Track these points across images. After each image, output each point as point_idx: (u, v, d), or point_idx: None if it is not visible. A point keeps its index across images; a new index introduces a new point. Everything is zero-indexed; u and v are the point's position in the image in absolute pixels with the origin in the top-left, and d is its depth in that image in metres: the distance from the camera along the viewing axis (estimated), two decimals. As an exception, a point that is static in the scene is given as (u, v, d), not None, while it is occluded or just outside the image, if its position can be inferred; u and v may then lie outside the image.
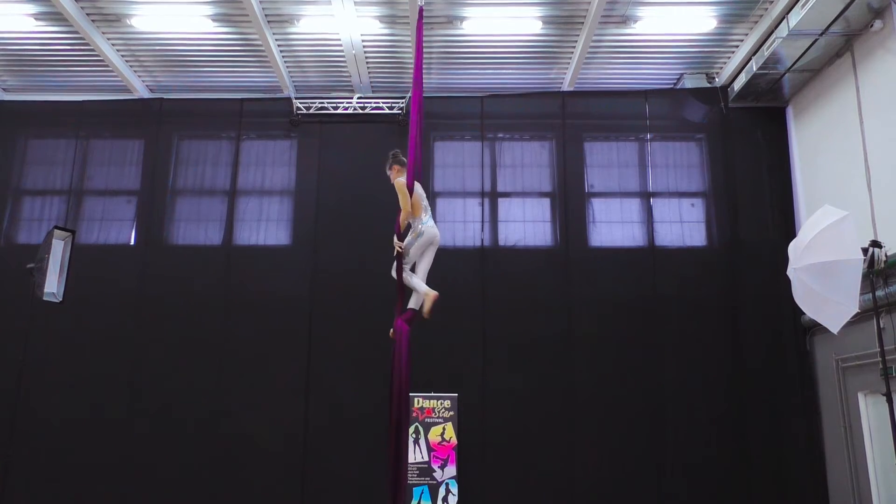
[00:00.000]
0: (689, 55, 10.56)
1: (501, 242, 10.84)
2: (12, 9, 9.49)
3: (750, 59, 10.02)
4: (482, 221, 10.88)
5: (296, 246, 10.91)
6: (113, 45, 10.24)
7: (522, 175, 11.11)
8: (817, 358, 10.02)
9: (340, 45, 10.18)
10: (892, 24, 8.37)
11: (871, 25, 8.61)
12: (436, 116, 10.62)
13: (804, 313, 8.97)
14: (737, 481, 9.83)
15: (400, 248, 6.31)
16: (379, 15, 9.56)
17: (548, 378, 10.24)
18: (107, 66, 10.55)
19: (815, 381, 10.04)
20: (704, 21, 9.71)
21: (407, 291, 6.46)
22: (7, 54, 10.50)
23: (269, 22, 9.69)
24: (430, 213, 6.64)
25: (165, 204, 11.06)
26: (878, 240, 7.88)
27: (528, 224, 10.91)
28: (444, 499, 9.61)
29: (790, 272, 6.40)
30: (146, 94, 11.38)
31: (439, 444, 9.81)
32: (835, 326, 6.19)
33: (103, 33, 9.96)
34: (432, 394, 9.91)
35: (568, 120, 11.16)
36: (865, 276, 6.99)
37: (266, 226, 11.00)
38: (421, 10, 7.04)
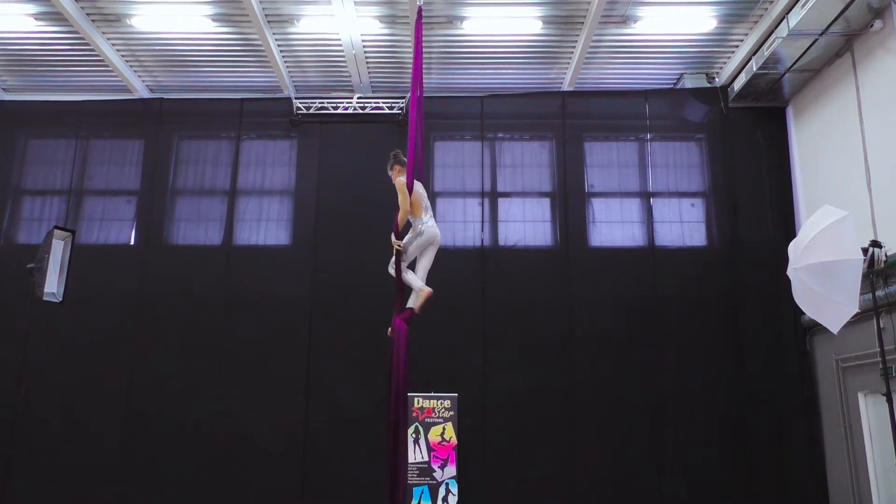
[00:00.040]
0: (689, 55, 10.56)
1: (501, 242, 10.84)
2: (12, 9, 9.49)
3: (750, 59, 10.02)
4: (482, 221, 10.88)
5: (296, 246, 10.91)
6: (113, 45, 10.24)
7: (522, 175, 11.11)
8: (817, 358, 10.02)
9: (340, 45, 10.18)
10: (892, 24, 8.37)
11: (871, 25, 8.61)
12: (436, 116, 10.62)
13: (804, 313, 8.97)
14: (737, 481, 9.83)
15: (398, 246, 6.31)
16: (379, 15, 9.56)
17: (548, 378, 10.24)
18: (107, 66, 10.55)
19: (815, 381, 10.04)
20: (704, 21, 9.71)
21: (406, 290, 6.47)
22: (7, 54, 10.50)
23: (269, 22, 9.69)
24: (431, 212, 6.64)
25: (165, 204, 11.06)
26: (878, 240, 7.87)
27: (528, 224, 10.91)
28: (444, 499, 9.61)
29: (790, 272, 6.40)
30: (146, 94, 11.38)
31: (439, 444, 9.81)
32: (835, 326, 6.19)
33: (103, 33, 9.96)
34: (432, 394, 9.91)
35: (568, 120, 11.16)
36: (865, 276, 6.99)
37: (266, 226, 11.01)
38: (420, 10, 7.03)
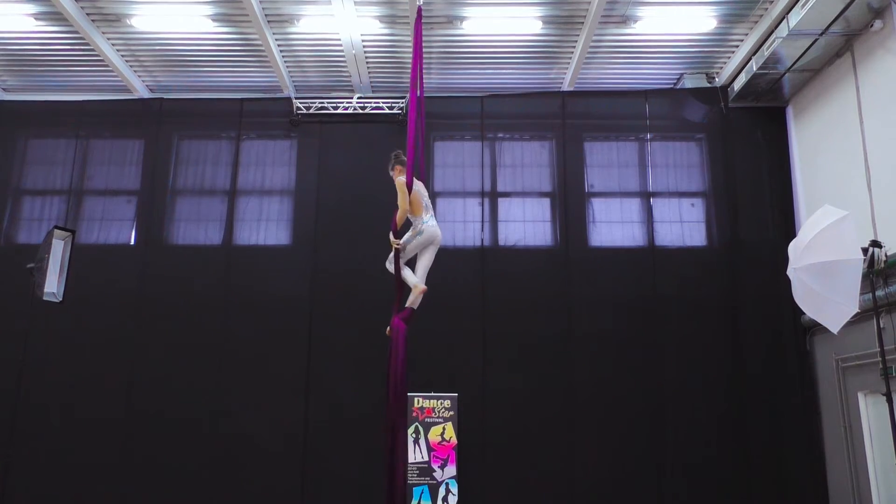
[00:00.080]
0: (689, 55, 10.56)
1: (501, 242, 10.84)
2: (12, 9, 9.49)
3: (750, 59, 10.02)
4: (482, 221, 10.88)
5: (296, 246, 10.91)
6: (113, 45, 10.24)
7: (522, 175, 11.11)
8: (817, 358, 10.02)
9: (340, 45, 10.18)
10: (892, 24, 8.37)
11: (871, 25, 8.61)
12: (436, 116, 10.61)
13: (804, 313, 8.97)
14: (737, 481, 9.83)
15: (397, 245, 6.32)
16: (379, 15, 9.56)
17: (548, 378, 10.24)
18: (107, 66, 10.55)
19: (815, 381, 10.04)
20: (704, 21, 9.71)
21: (405, 289, 6.47)
22: (7, 54, 10.50)
23: (269, 22, 9.69)
24: (432, 212, 6.64)
25: (165, 204, 11.07)
26: (878, 240, 7.88)
27: (528, 224, 10.91)
28: (444, 499, 9.61)
29: (790, 272, 6.40)
30: (146, 94, 11.38)
31: (439, 443, 9.81)
32: (835, 326, 6.20)
33: (103, 33, 9.96)
34: (432, 394, 9.91)
35: (568, 120, 11.16)
36: (865, 276, 6.99)
37: (266, 226, 11.01)
38: (420, 10, 7.01)
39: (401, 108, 11.04)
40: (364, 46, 10.19)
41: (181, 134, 11.39)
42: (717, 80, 10.96)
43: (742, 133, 10.98)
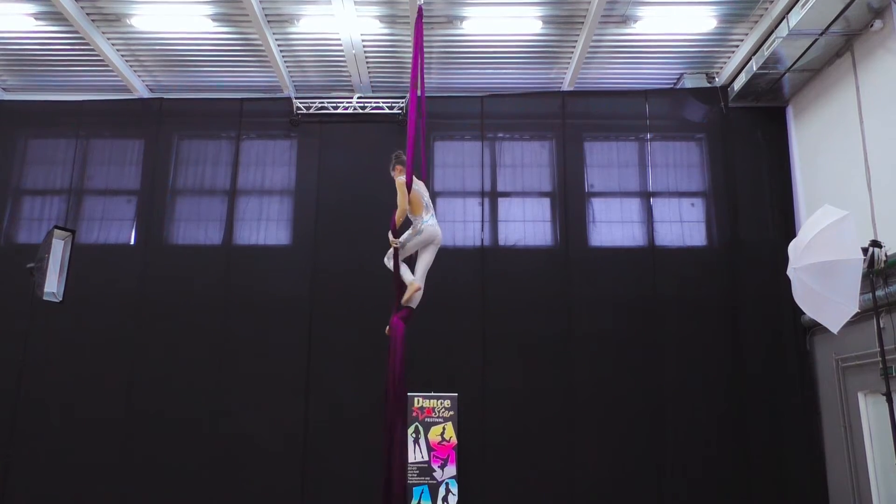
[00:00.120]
0: (689, 55, 10.56)
1: (501, 242, 10.84)
2: (12, 9, 9.49)
3: (750, 58, 10.02)
4: (482, 221, 10.88)
5: (296, 246, 10.91)
6: (113, 44, 10.24)
7: (522, 175, 11.11)
8: (817, 358, 10.02)
9: (340, 45, 10.18)
10: (892, 23, 8.37)
11: (871, 25, 8.61)
12: (436, 116, 10.59)
13: (804, 313, 8.97)
14: (737, 481, 9.83)
15: (396, 244, 6.32)
16: (379, 15, 9.56)
17: (548, 378, 10.24)
18: (107, 65, 10.55)
19: (815, 381, 10.04)
20: (704, 21, 9.71)
21: (405, 289, 6.46)
22: (7, 54, 10.50)
23: (269, 22, 9.69)
24: (432, 211, 6.65)
25: (165, 204, 11.06)
26: (878, 240, 7.87)
27: (528, 224, 10.91)
28: (444, 498, 9.61)
29: (790, 272, 6.40)
30: (146, 94, 11.38)
31: (439, 443, 9.81)
32: (835, 326, 6.20)
33: (103, 33, 9.96)
34: (432, 393, 9.91)
35: (568, 120, 11.16)
36: (865, 276, 6.98)
37: (266, 226, 11.01)
38: (420, 10, 7.01)
39: (401, 108, 11.04)
40: (364, 46, 10.19)
41: (181, 134, 11.39)
42: (717, 80, 10.96)
43: (742, 133, 10.97)
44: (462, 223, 10.88)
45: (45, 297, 7.74)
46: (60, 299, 7.95)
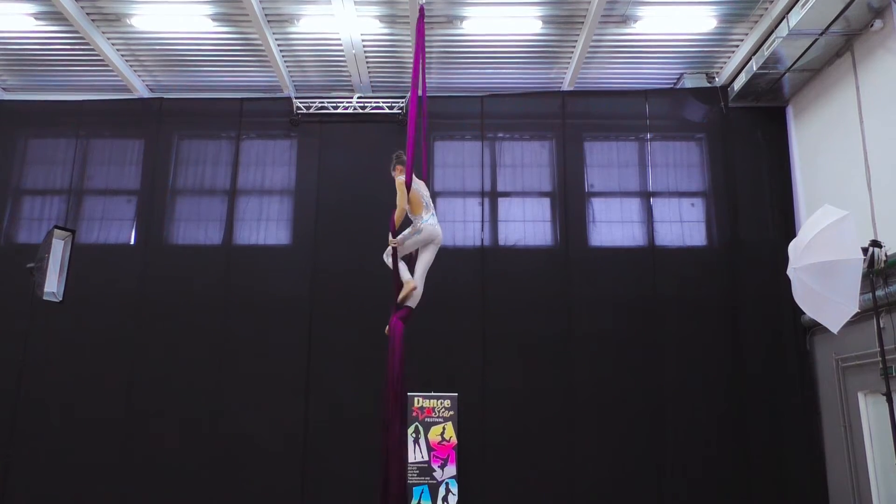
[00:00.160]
0: (689, 55, 10.56)
1: (501, 242, 10.84)
2: (12, 8, 9.49)
3: (750, 58, 10.02)
4: (482, 221, 10.88)
5: (296, 246, 10.91)
6: (113, 44, 10.24)
7: (522, 175, 11.11)
8: (817, 358, 10.02)
9: (340, 45, 10.18)
10: (892, 23, 8.37)
11: (871, 25, 8.61)
12: (436, 116, 10.59)
13: (804, 313, 8.98)
14: (737, 481, 9.83)
15: (395, 244, 6.32)
16: (379, 14, 9.56)
17: (548, 378, 10.24)
18: (107, 65, 10.55)
19: (815, 381, 10.04)
20: (704, 21, 9.71)
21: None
22: (7, 54, 10.50)
23: (269, 22, 9.69)
24: (432, 211, 6.65)
25: (165, 204, 11.06)
26: (878, 240, 7.87)
27: (528, 224, 10.91)
28: (444, 498, 9.61)
29: (790, 272, 6.40)
30: (146, 94, 11.38)
31: (439, 443, 9.81)
32: (835, 326, 6.20)
33: (103, 33, 9.96)
34: (432, 393, 9.91)
35: (568, 120, 11.16)
36: (865, 276, 6.99)
37: (266, 225, 11.01)
38: (422, 9, 7.01)
39: (401, 108, 11.04)
40: (364, 46, 10.18)
41: (181, 134, 11.39)
42: (717, 79, 10.96)
43: (742, 133, 10.97)
44: (462, 223, 10.88)
45: (45, 297, 7.74)
46: (60, 299, 7.96)
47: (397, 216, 6.34)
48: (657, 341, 10.33)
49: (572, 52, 10.34)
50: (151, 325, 10.49)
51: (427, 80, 7.43)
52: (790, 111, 10.88)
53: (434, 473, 9.71)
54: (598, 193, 11.02)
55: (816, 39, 9.04)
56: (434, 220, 6.57)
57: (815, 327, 9.64)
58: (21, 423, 10.09)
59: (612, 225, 10.89)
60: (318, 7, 9.40)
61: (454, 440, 9.82)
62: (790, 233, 9.88)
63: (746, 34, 9.94)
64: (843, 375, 9.30)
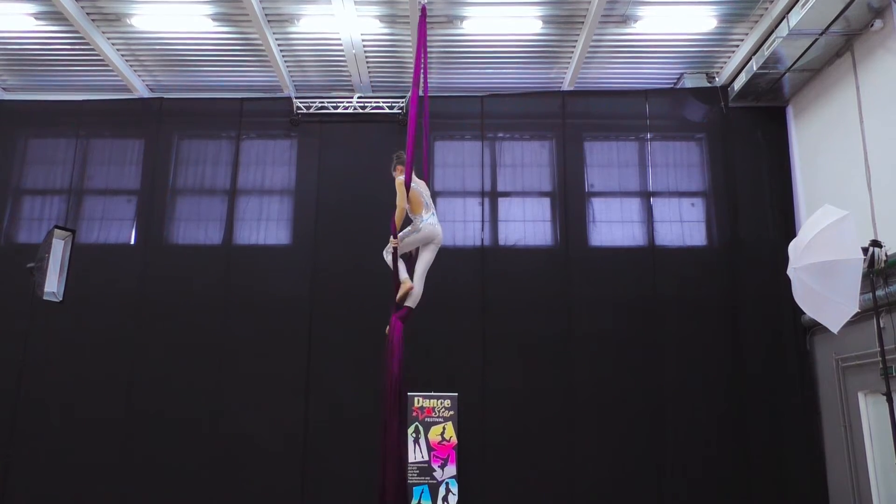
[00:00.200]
0: (689, 55, 10.56)
1: (501, 242, 10.84)
2: (12, 8, 9.49)
3: (750, 58, 10.02)
4: (482, 221, 10.87)
5: (296, 246, 10.90)
6: (113, 44, 10.24)
7: (522, 175, 11.11)
8: (817, 358, 10.02)
9: (340, 45, 10.18)
10: (892, 23, 8.37)
11: (872, 25, 8.61)
12: (436, 116, 10.55)
13: (804, 313, 8.98)
14: (737, 481, 9.83)
15: (395, 244, 6.33)
16: (379, 14, 9.56)
17: (548, 378, 10.24)
18: (107, 65, 10.55)
19: (815, 381, 10.04)
20: (704, 21, 9.70)
21: (405, 288, 6.47)
22: (7, 54, 10.50)
23: (269, 21, 9.69)
24: (433, 211, 6.65)
25: (165, 204, 11.06)
26: (878, 240, 7.87)
27: (528, 224, 10.91)
28: (444, 498, 9.61)
29: (790, 272, 6.40)
30: (146, 94, 11.38)
31: (439, 443, 9.81)
32: (835, 326, 6.19)
33: (103, 33, 9.95)
34: (432, 393, 9.91)
35: (568, 119, 11.16)
36: (865, 276, 6.98)
37: (266, 225, 11.00)
38: (423, 9, 7.01)
39: (401, 108, 11.04)
40: (364, 46, 10.18)
41: (181, 133, 11.39)
42: (717, 79, 10.96)
43: (742, 133, 10.97)
44: (462, 223, 10.88)
45: (45, 297, 7.74)
46: (60, 299, 7.95)
47: (398, 216, 6.35)
48: (657, 341, 10.32)
49: (572, 52, 10.34)
50: (151, 325, 10.49)
51: (428, 80, 7.45)
52: (790, 111, 10.88)
53: (434, 473, 9.71)
54: (598, 193, 11.02)
55: (816, 39, 9.04)
56: (434, 220, 6.58)
57: (815, 327, 9.64)
58: (21, 423, 10.09)
59: (612, 225, 10.89)
60: (318, 7, 9.40)
61: (454, 440, 9.82)
62: (790, 233, 9.88)
63: (746, 34, 9.94)
64: (843, 375, 9.30)
